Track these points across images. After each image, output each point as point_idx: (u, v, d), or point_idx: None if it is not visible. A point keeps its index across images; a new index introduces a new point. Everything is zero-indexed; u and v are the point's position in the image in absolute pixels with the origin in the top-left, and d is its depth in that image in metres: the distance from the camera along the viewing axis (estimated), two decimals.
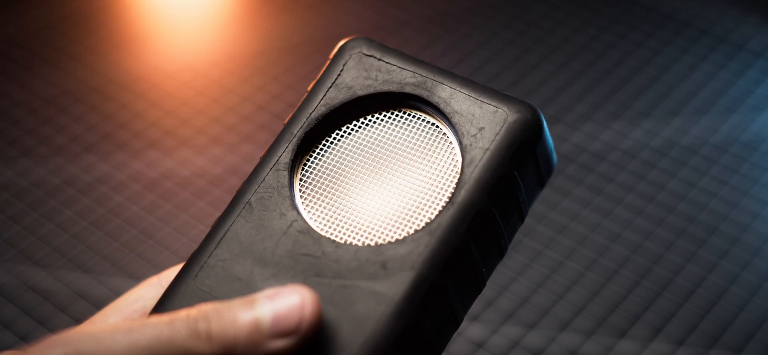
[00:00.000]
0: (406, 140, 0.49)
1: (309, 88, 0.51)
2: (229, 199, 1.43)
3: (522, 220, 0.49)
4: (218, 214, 1.41)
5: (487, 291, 1.32)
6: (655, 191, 1.45)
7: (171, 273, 0.50)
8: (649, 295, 1.32)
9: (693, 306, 1.30)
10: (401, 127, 0.50)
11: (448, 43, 1.70)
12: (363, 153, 0.49)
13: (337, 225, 0.47)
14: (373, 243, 0.46)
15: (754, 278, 1.33)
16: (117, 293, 1.32)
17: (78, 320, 1.28)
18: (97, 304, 1.30)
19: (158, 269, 1.34)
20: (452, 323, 0.46)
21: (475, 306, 1.33)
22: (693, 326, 1.28)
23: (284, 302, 0.42)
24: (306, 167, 0.49)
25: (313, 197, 0.48)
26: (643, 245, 1.38)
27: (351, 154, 0.49)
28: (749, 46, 1.68)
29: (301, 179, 0.49)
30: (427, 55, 1.67)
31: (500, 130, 0.47)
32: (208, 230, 1.40)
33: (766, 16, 1.74)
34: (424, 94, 0.49)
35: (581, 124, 1.55)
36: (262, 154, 0.50)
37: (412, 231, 0.46)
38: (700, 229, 1.40)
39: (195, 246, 1.37)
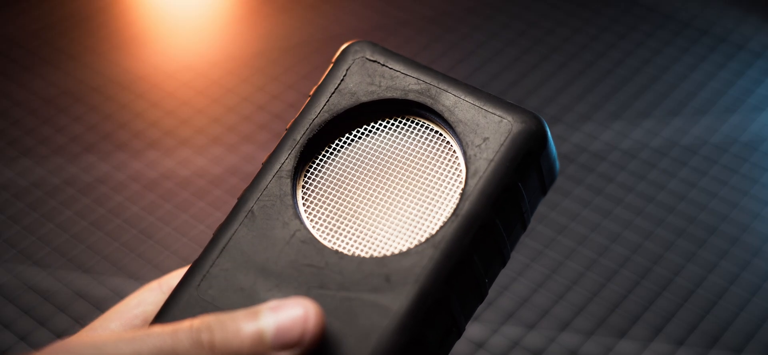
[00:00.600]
0: (409, 149, 0.49)
1: (311, 93, 0.51)
2: (230, 199, 1.43)
3: (524, 228, 0.49)
4: (218, 214, 1.41)
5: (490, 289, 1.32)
6: (655, 191, 1.45)
7: (172, 277, 0.50)
8: (649, 295, 1.32)
9: (693, 306, 1.30)
10: (405, 136, 0.49)
11: (448, 43, 1.70)
12: (366, 161, 0.49)
13: (341, 235, 0.47)
14: (376, 255, 0.46)
15: (754, 278, 1.33)
16: (117, 293, 1.31)
17: (78, 320, 1.28)
18: (97, 304, 1.30)
19: (158, 269, 1.34)
20: (455, 334, 0.46)
21: None
22: (693, 326, 1.28)
23: (287, 314, 0.42)
24: (308, 175, 0.49)
25: (316, 205, 0.48)
26: (643, 245, 1.38)
27: (354, 162, 0.49)
28: (749, 46, 1.68)
29: (303, 187, 0.49)
30: (427, 56, 1.67)
31: (505, 141, 0.47)
32: (208, 231, 1.40)
33: (766, 16, 1.74)
34: (428, 102, 0.49)
35: (581, 124, 1.55)
36: (263, 159, 0.50)
37: (415, 243, 0.46)
38: (700, 229, 1.40)
39: (195, 246, 1.37)
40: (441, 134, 0.49)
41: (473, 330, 1.28)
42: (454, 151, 0.48)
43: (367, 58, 0.51)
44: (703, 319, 1.29)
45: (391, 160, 0.49)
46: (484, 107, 0.48)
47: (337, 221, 0.48)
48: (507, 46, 1.69)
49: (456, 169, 0.48)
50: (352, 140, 0.50)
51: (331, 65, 0.51)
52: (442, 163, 0.48)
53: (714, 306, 1.30)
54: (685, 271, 1.34)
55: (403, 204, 0.47)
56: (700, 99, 1.59)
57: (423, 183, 0.48)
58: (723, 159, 1.49)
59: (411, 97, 0.49)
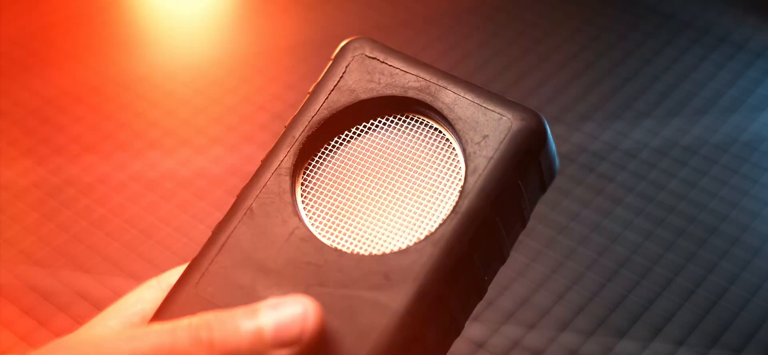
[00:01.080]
0: (409, 146, 0.49)
1: (310, 90, 0.51)
2: (230, 199, 1.43)
3: (524, 226, 0.49)
4: (219, 214, 1.41)
5: (489, 289, 1.32)
6: (655, 190, 1.45)
7: (171, 275, 0.50)
8: (649, 295, 1.32)
9: (693, 306, 1.30)
10: (404, 133, 0.49)
11: (448, 43, 1.70)
12: (365, 159, 0.49)
13: (340, 233, 0.47)
14: (376, 252, 0.46)
15: (754, 278, 1.33)
16: (117, 293, 1.31)
17: (78, 320, 1.28)
18: (97, 304, 1.30)
19: (158, 268, 1.34)
20: (454, 332, 0.46)
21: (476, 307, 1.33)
22: (693, 326, 1.28)
23: (286, 312, 0.42)
24: (307, 172, 0.49)
25: (315, 203, 0.48)
26: (643, 245, 1.38)
27: (353, 159, 0.49)
28: (749, 46, 1.68)
29: (302, 185, 0.49)
30: (427, 55, 1.67)
31: (504, 138, 0.47)
32: (208, 231, 1.40)
33: (766, 16, 1.74)
34: (427, 99, 0.49)
35: (581, 124, 1.55)
36: (263, 157, 0.50)
37: (415, 241, 0.46)
38: (700, 229, 1.40)
39: (195, 246, 1.37)
40: (440, 131, 0.49)
41: (473, 330, 1.28)
42: (454, 149, 0.48)
43: (366, 55, 0.51)
44: (703, 319, 1.29)
45: (390, 158, 0.49)
46: (484, 105, 0.48)
47: (337, 218, 0.48)
48: (507, 46, 1.69)
49: (455, 166, 0.48)
50: (352, 138, 0.50)
51: (331, 62, 0.51)
52: (442, 160, 0.48)
53: (714, 306, 1.30)
54: (685, 271, 1.34)
55: (403, 202, 0.48)
56: (700, 99, 1.59)
57: (422, 180, 0.48)
58: (723, 159, 1.49)
59: (410, 94, 0.49)
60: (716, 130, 1.54)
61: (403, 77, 0.50)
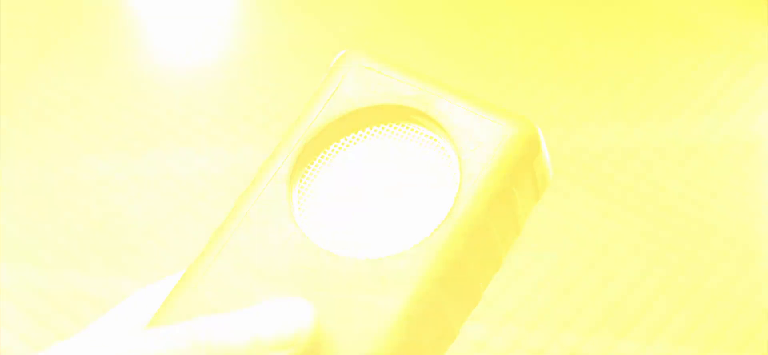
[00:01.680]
0: (404, 153, 0.49)
1: (308, 100, 0.51)
2: (230, 199, 1.43)
3: (518, 233, 0.49)
4: (219, 214, 1.42)
5: (487, 291, 1.32)
6: (655, 191, 1.45)
7: (170, 280, 0.50)
8: (649, 295, 1.32)
9: (693, 306, 1.30)
10: (400, 140, 0.50)
11: (447, 44, 1.70)
12: (362, 166, 0.49)
13: (336, 238, 0.48)
14: (371, 257, 0.46)
15: (754, 278, 1.34)
16: (117, 293, 1.32)
17: (78, 320, 1.29)
18: (97, 304, 1.31)
19: (158, 269, 1.34)
20: (449, 337, 0.46)
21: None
22: (693, 326, 1.28)
23: (283, 315, 0.43)
24: (304, 179, 0.50)
25: (312, 209, 0.49)
26: (643, 245, 1.38)
27: (350, 166, 0.50)
28: (749, 47, 1.68)
29: (299, 191, 0.49)
30: (425, 58, 1.67)
31: (498, 145, 0.48)
32: (208, 231, 1.40)
33: (766, 17, 1.74)
34: (422, 107, 0.50)
35: (581, 124, 1.55)
36: (263, 159, 0.50)
37: (410, 245, 0.47)
38: (700, 229, 1.40)
39: (195, 246, 1.38)
40: (436, 139, 0.50)
41: (473, 330, 1.29)
42: (449, 156, 0.49)
43: (362, 66, 0.51)
44: (703, 319, 1.29)
45: (386, 165, 0.49)
46: (479, 112, 0.49)
47: (333, 223, 0.48)
48: (507, 47, 1.69)
49: (450, 173, 0.48)
50: (348, 145, 0.50)
51: (328, 73, 0.52)
52: (437, 167, 0.49)
53: (714, 306, 1.30)
54: (685, 271, 1.35)
55: (398, 207, 0.48)
56: (701, 99, 1.59)
57: (417, 187, 0.48)
58: (723, 159, 1.49)
59: (406, 102, 0.50)
60: (717, 130, 1.54)
61: (398, 86, 0.50)
